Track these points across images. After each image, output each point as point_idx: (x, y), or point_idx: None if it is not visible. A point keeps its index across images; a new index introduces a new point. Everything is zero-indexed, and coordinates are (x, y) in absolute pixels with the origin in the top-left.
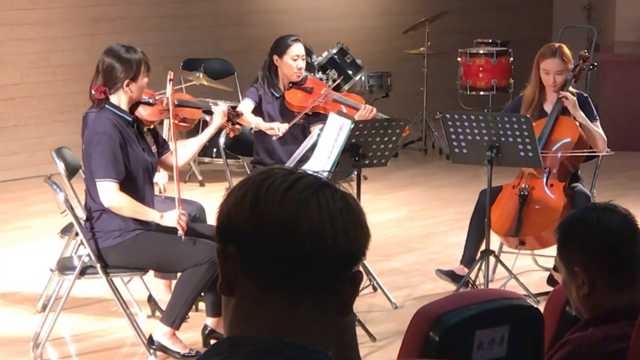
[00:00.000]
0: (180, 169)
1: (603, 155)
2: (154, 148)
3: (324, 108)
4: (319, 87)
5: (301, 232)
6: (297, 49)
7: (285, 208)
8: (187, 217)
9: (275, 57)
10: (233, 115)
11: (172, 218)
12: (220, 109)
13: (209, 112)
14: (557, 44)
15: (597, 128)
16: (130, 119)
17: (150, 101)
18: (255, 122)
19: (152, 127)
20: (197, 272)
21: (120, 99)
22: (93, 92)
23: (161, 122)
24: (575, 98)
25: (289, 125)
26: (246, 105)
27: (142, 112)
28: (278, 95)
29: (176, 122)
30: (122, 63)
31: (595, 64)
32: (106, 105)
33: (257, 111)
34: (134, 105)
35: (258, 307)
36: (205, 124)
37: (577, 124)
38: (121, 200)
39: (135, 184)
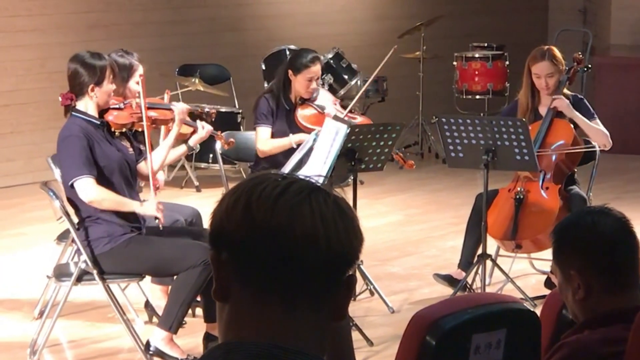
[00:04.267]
0: (156, 172)
1: (600, 154)
2: (130, 150)
3: None
4: (330, 107)
5: (294, 236)
6: (314, 70)
7: (278, 213)
8: (163, 207)
9: (290, 72)
10: (197, 111)
11: (150, 206)
12: (178, 107)
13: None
14: (546, 47)
15: (597, 125)
16: (98, 122)
17: (120, 106)
18: (294, 140)
19: (123, 130)
20: (192, 275)
21: (87, 104)
22: (60, 99)
23: (132, 126)
24: (566, 100)
25: None
26: (264, 137)
27: (111, 117)
28: (289, 109)
29: (148, 124)
30: (86, 68)
31: (589, 65)
32: (73, 113)
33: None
34: (104, 111)
35: (253, 312)
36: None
37: (572, 125)
38: (101, 193)
39: (111, 183)
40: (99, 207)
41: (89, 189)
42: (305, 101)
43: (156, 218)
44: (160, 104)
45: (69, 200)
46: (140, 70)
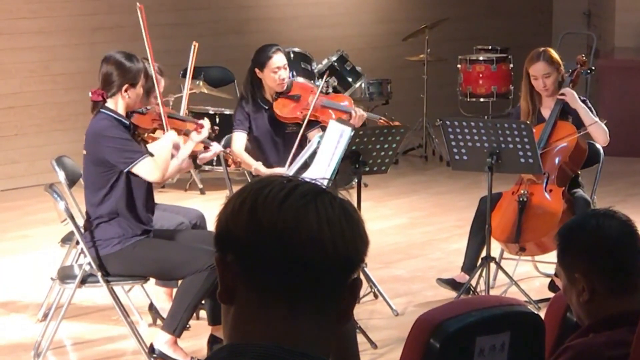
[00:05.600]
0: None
1: (604, 158)
2: None
3: (314, 115)
4: (306, 94)
5: (300, 239)
6: (277, 60)
7: (284, 216)
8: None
9: (257, 70)
10: (212, 132)
11: (174, 136)
12: (206, 126)
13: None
14: (542, 49)
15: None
16: (127, 123)
17: (142, 110)
18: (255, 166)
19: (145, 135)
20: (198, 279)
21: (117, 104)
22: (90, 94)
23: (153, 132)
24: (573, 91)
25: (291, 155)
26: (239, 142)
27: (135, 120)
28: (267, 107)
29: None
30: (122, 68)
31: (593, 68)
32: (102, 110)
33: (250, 133)
34: (128, 114)
35: (258, 315)
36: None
37: (575, 127)
38: (162, 166)
39: (140, 182)
40: (167, 178)
41: (152, 168)
42: (280, 95)
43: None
44: (179, 116)
45: (88, 196)
46: (162, 83)
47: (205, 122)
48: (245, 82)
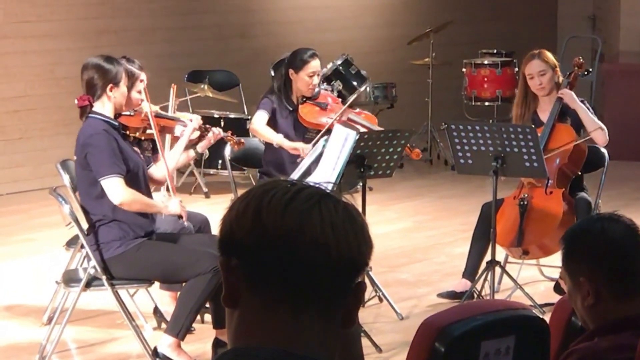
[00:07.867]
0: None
1: (609, 162)
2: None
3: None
4: (335, 103)
5: (304, 242)
6: (314, 65)
7: (288, 219)
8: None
9: (291, 71)
10: (203, 129)
11: (174, 205)
12: (195, 121)
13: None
14: (536, 50)
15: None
16: (116, 124)
17: (130, 113)
18: (278, 140)
19: (136, 134)
20: (201, 282)
21: (104, 106)
22: (76, 101)
23: (143, 132)
24: (571, 92)
25: (312, 144)
26: (261, 119)
27: (124, 121)
28: (291, 109)
29: (157, 130)
30: (102, 70)
31: (590, 69)
32: (90, 115)
33: (271, 122)
34: (116, 116)
35: (262, 319)
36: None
37: (573, 130)
38: (130, 194)
39: (137, 185)
40: (128, 209)
41: (119, 190)
42: (307, 100)
43: (180, 217)
44: (167, 114)
45: (84, 202)
46: (143, 77)
47: (194, 117)
48: (279, 81)
